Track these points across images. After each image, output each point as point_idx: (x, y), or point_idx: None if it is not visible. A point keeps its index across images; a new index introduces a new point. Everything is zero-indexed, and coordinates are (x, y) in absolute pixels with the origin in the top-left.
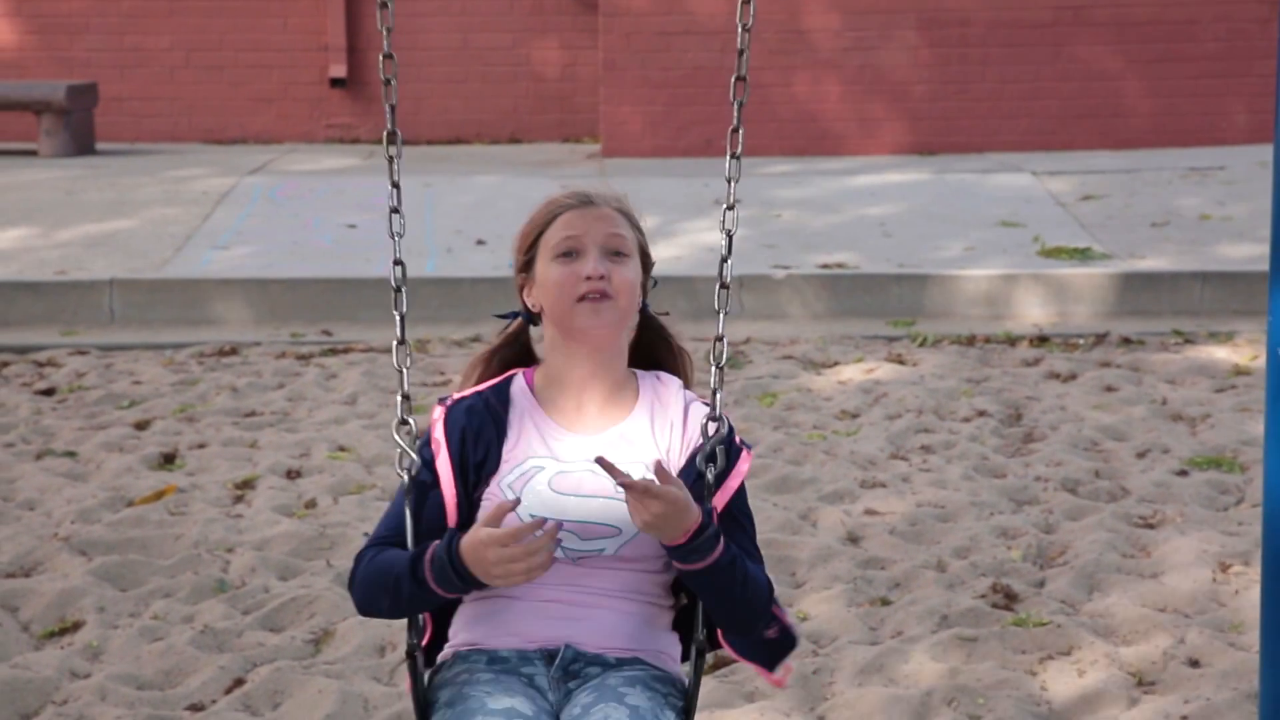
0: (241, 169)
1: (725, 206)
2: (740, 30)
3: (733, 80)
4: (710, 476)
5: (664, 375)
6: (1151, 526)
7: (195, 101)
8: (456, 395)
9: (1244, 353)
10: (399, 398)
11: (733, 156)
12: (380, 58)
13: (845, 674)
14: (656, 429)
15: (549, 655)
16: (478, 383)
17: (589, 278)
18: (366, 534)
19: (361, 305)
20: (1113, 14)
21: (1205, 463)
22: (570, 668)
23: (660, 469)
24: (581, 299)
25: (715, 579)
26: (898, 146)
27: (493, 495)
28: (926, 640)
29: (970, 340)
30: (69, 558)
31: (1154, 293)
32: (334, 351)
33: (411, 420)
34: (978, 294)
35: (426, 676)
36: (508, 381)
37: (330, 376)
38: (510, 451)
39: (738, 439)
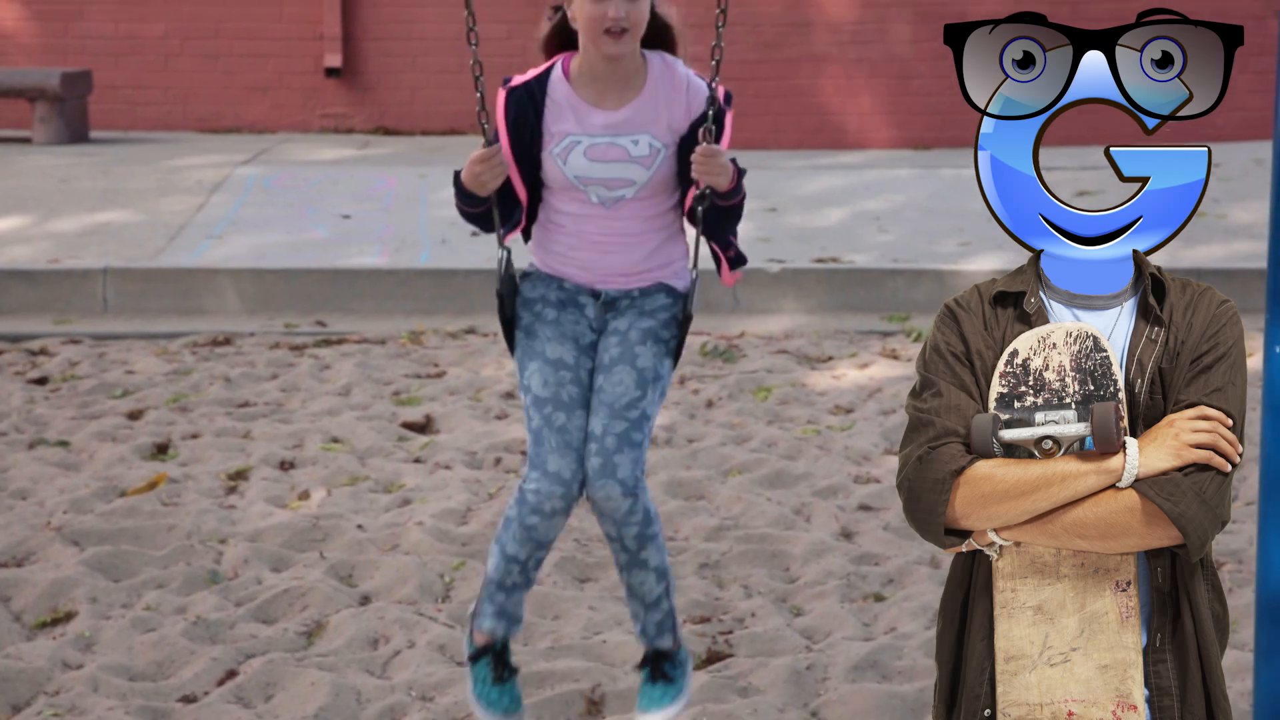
0: (236, 158)
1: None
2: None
3: None
4: (711, 137)
5: (668, 57)
6: None
7: (190, 90)
8: (514, 81)
9: None
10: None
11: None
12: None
13: (839, 670)
14: (662, 103)
15: (595, 294)
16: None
17: (613, 17)
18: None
19: (355, 296)
20: (1113, 9)
21: None
22: (610, 303)
23: (705, 142)
24: (606, 31)
25: (739, 206)
26: (894, 141)
27: (548, 158)
28: (920, 636)
29: None
30: (61, 548)
31: None
32: (328, 342)
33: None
34: None
35: (515, 274)
36: (549, 71)
37: (324, 367)
38: (552, 127)
39: (725, 105)
